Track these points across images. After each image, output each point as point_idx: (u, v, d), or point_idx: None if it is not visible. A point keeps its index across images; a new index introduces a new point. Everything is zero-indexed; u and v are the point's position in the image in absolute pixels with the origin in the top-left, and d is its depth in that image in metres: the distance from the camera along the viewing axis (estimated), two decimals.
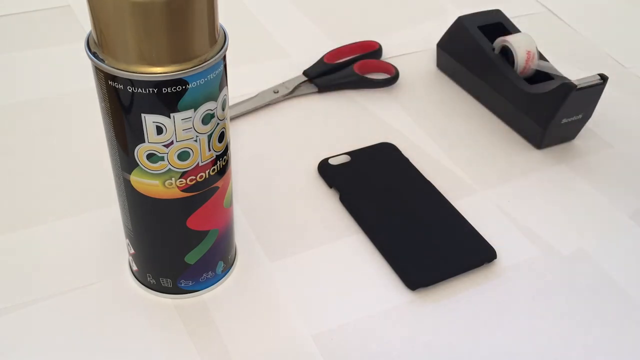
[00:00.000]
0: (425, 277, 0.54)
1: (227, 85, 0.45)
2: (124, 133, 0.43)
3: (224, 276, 0.54)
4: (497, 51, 0.72)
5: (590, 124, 0.71)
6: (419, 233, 0.58)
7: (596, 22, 0.90)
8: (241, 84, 0.74)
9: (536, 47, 0.71)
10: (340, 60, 0.79)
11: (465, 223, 0.59)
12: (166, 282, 0.51)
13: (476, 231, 0.58)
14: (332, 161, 0.64)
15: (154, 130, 0.43)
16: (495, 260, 0.56)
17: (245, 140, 0.68)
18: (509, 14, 0.77)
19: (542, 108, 0.66)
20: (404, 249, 0.56)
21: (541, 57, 0.72)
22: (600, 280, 0.56)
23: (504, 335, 0.51)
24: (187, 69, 0.41)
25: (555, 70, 0.70)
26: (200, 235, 0.49)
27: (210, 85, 0.42)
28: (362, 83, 0.76)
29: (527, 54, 0.70)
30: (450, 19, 0.77)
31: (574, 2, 0.94)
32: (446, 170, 0.65)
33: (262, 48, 0.82)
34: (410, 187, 0.62)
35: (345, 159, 0.65)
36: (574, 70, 0.70)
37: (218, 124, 0.45)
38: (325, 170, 0.64)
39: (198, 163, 0.45)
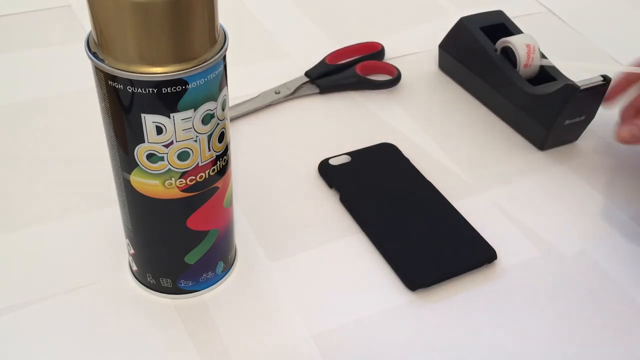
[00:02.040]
0: (425, 278, 0.54)
1: (227, 86, 0.45)
2: (124, 133, 0.43)
3: (224, 276, 0.54)
4: (499, 52, 0.72)
5: (592, 125, 0.70)
6: (419, 233, 0.58)
7: (596, 22, 0.90)
8: (242, 85, 0.74)
9: (539, 48, 0.70)
10: (342, 62, 0.79)
11: (466, 223, 0.59)
12: (166, 282, 0.51)
13: (476, 232, 0.58)
14: (332, 161, 0.64)
15: (154, 130, 0.43)
16: (495, 261, 0.56)
17: (246, 141, 0.68)
18: (509, 14, 0.76)
19: (545, 109, 0.66)
20: (404, 249, 0.56)
21: (543, 57, 0.71)
22: (601, 282, 0.56)
23: (504, 335, 0.51)
24: (187, 69, 0.41)
25: (558, 70, 0.70)
26: (200, 235, 0.49)
27: (210, 85, 0.42)
28: (363, 84, 0.76)
29: (527, 47, 0.69)
30: (452, 20, 0.77)
31: (574, 2, 0.94)
32: (448, 170, 0.65)
33: (263, 49, 0.82)
34: (410, 188, 0.62)
35: (345, 159, 0.65)
36: (575, 71, 0.70)
37: (218, 124, 0.45)
38: (326, 170, 0.63)
39: (198, 163, 0.45)
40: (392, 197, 0.61)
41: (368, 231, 0.58)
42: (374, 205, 0.60)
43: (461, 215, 0.59)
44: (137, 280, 0.53)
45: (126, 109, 0.42)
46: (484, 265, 0.56)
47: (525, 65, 0.70)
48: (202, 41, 0.41)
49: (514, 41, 0.70)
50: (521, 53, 0.69)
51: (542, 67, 0.71)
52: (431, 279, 0.54)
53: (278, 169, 0.65)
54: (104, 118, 0.44)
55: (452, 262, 0.55)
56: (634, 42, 0.87)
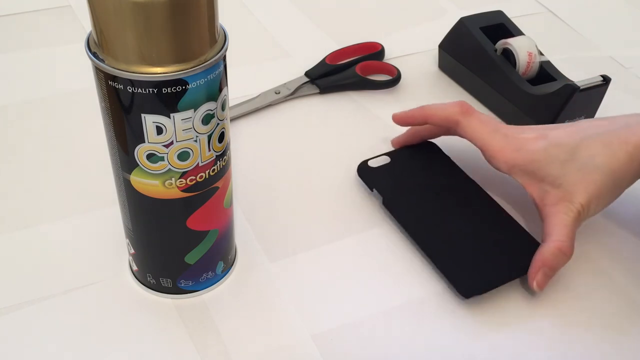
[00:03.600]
0: (479, 285, 0.52)
1: (227, 86, 0.45)
2: (124, 133, 0.43)
3: (224, 276, 0.54)
4: (498, 53, 0.72)
5: None
6: (469, 238, 0.56)
7: (596, 23, 0.90)
8: (242, 85, 0.74)
9: (537, 49, 0.71)
10: (342, 62, 0.79)
11: (518, 226, 0.57)
12: (166, 282, 0.51)
13: (530, 235, 0.56)
14: (371, 163, 0.63)
15: (154, 131, 0.43)
16: None
17: (246, 141, 0.68)
18: (509, 14, 0.76)
19: (545, 109, 0.66)
20: (455, 255, 0.54)
21: (540, 54, 0.71)
22: (601, 281, 0.56)
23: (504, 334, 0.51)
24: (187, 69, 0.41)
25: (557, 70, 0.70)
26: (200, 235, 0.49)
27: (210, 85, 0.42)
28: (363, 84, 0.76)
29: (529, 55, 0.69)
30: (452, 20, 0.77)
31: (574, 3, 0.94)
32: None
33: (263, 49, 0.82)
34: (456, 189, 0.60)
35: (385, 160, 0.63)
36: (575, 71, 0.70)
37: (218, 124, 0.45)
38: (365, 172, 0.62)
39: (198, 163, 0.45)
40: (437, 199, 0.59)
41: (416, 237, 0.56)
42: (419, 209, 0.58)
43: (511, 217, 0.58)
44: (137, 280, 0.53)
45: (126, 109, 0.42)
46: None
47: (523, 74, 0.70)
48: (202, 41, 0.41)
49: (516, 46, 0.70)
50: (522, 60, 0.70)
51: (541, 67, 0.71)
52: (485, 286, 0.52)
53: (278, 169, 0.65)
54: (104, 118, 0.44)
55: (507, 268, 0.54)
56: (634, 42, 0.87)
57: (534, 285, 0.52)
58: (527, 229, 0.57)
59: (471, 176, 0.62)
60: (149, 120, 0.42)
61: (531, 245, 0.55)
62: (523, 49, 0.70)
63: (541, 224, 0.55)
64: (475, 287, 0.52)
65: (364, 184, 0.62)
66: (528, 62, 0.70)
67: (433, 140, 0.66)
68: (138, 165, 0.44)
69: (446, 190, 0.60)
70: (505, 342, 0.51)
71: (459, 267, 0.54)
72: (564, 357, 0.50)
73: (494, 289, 0.53)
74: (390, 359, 0.49)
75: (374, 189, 0.61)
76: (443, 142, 0.68)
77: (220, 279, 0.54)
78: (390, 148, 0.66)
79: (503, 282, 0.53)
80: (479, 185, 0.61)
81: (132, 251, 0.51)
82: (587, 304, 0.54)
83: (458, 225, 0.57)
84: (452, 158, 0.64)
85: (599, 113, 0.71)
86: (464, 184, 0.61)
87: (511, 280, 0.53)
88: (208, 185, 0.47)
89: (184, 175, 0.45)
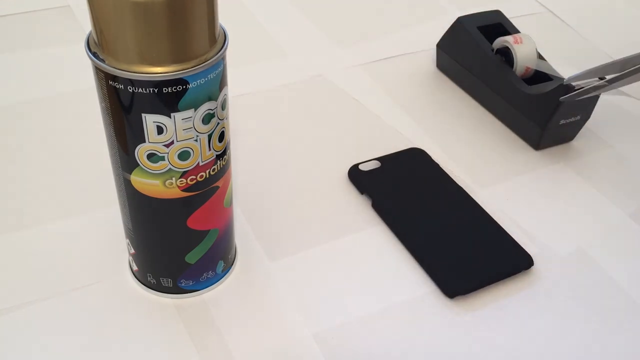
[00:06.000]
0: (464, 285, 0.54)
1: (227, 85, 0.45)
2: (124, 133, 0.43)
3: (224, 276, 0.54)
4: (496, 48, 0.72)
5: (589, 124, 0.71)
6: (454, 240, 0.57)
7: (596, 23, 0.90)
8: (239, 84, 0.74)
9: (536, 49, 0.71)
10: None
11: (501, 230, 0.58)
12: (166, 282, 0.52)
13: (511, 237, 0.58)
14: (362, 167, 0.64)
15: (155, 130, 0.43)
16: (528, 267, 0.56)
17: (245, 140, 0.68)
18: (509, 14, 0.77)
19: (541, 109, 0.66)
20: (442, 257, 0.56)
21: (540, 57, 0.72)
22: (600, 280, 0.56)
23: (503, 333, 0.51)
24: (188, 68, 0.41)
25: (554, 70, 0.70)
26: (201, 235, 0.49)
27: (210, 84, 0.43)
28: None
29: (526, 69, 0.70)
30: (450, 20, 0.77)
31: (574, 3, 0.94)
32: (445, 170, 0.65)
33: (260, 48, 0.82)
34: (442, 193, 0.62)
35: (375, 164, 0.64)
36: (573, 70, 0.70)
37: (218, 123, 0.45)
38: (356, 176, 0.63)
39: (198, 163, 0.45)
40: (424, 203, 0.60)
41: (403, 239, 0.57)
42: (407, 212, 0.59)
43: (495, 222, 0.59)
44: (137, 280, 0.53)
45: (127, 109, 0.42)
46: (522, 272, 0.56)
47: (522, 75, 0.70)
48: (203, 41, 0.41)
49: (518, 57, 0.70)
50: (519, 68, 0.70)
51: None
52: (469, 287, 0.54)
53: (277, 168, 0.65)
54: (104, 118, 0.44)
55: (490, 269, 0.55)
56: (633, 42, 0.87)
57: None
58: (510, 233, 0.58)
59: (457, 182, 0.63)
60: (150, 120, 0.42)
61: (514, 248, 0.57)
62: (522, 63, 0.70)
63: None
64: (459, 287, 0.54)
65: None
66: (526, 70, 0.70)
67: (421, 147, 0.67)
68: (138, 165, 0.44)
69: (433, 195, 0.61)
70: (505, 339, 0.51)
71: (444, 268, 0.55)
72: (561, 354, 0.50)
73: (477, 290, 0.54)
74: (392, 356, 0.50)
75: (363, 193, 0.62)
76: (430, 149, 0.68)
77: (221, 278, 0.54)
78: (387, 148, 0.67)
79: (486, 283, 0.54)
80: (464, 191, 0.62)
81: (132, 251, 0.52)
82: (586, 301, 0.54)
83: (444, 229, 0.58)
84: (440, 165, 0.65)
85: (596, 112, 0.72)
86: (450, 189, 0.62)
87: (494, 282, 0.54)
88: (208, 184, 0.47)
89: (184, 174, 0.45)
